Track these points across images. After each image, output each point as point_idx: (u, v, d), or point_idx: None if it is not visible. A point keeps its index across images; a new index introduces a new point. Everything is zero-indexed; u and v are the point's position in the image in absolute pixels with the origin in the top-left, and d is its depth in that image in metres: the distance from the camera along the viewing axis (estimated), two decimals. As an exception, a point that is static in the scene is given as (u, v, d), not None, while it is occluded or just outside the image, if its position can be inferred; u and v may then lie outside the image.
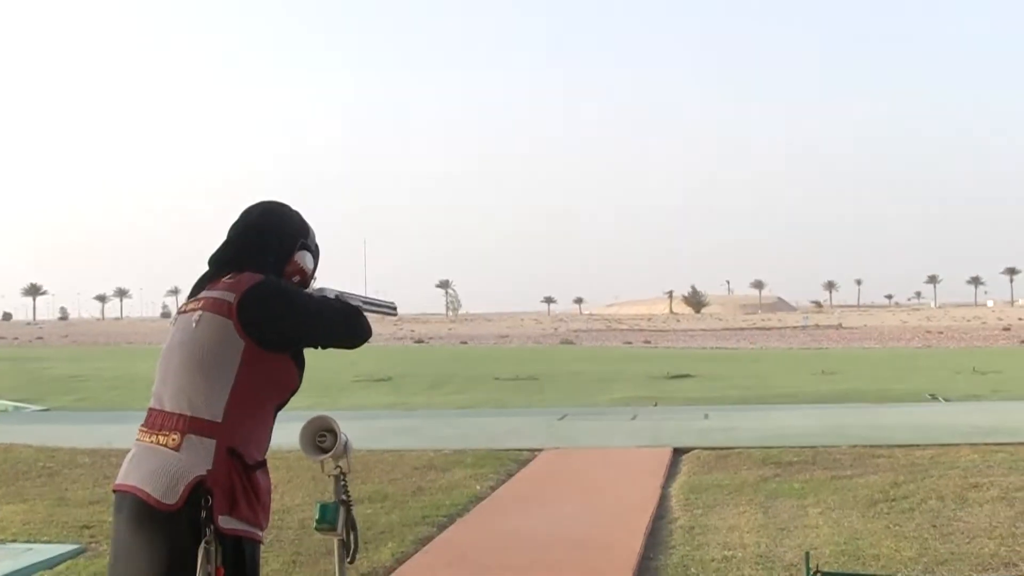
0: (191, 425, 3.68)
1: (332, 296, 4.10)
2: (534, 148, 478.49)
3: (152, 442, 3.73)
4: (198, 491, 3.58)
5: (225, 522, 3.61)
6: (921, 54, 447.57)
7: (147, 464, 3.69)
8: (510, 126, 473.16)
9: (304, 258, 4.07)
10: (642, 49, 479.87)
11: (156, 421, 3.78)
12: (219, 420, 3.67)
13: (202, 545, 3.55)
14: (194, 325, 3.80)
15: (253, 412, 3.76)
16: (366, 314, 4.14)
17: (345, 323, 3.96)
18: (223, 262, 3.95)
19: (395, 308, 4.62)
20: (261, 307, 3.76)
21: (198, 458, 3.62)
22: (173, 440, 3.68)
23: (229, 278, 3.86)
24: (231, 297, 3.77)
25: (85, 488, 11.66)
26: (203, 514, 3.57)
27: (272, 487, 3.95)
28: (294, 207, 4.17)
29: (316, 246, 4.19)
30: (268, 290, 3.82)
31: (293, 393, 3.92)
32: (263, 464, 3.83)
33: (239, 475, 3.65)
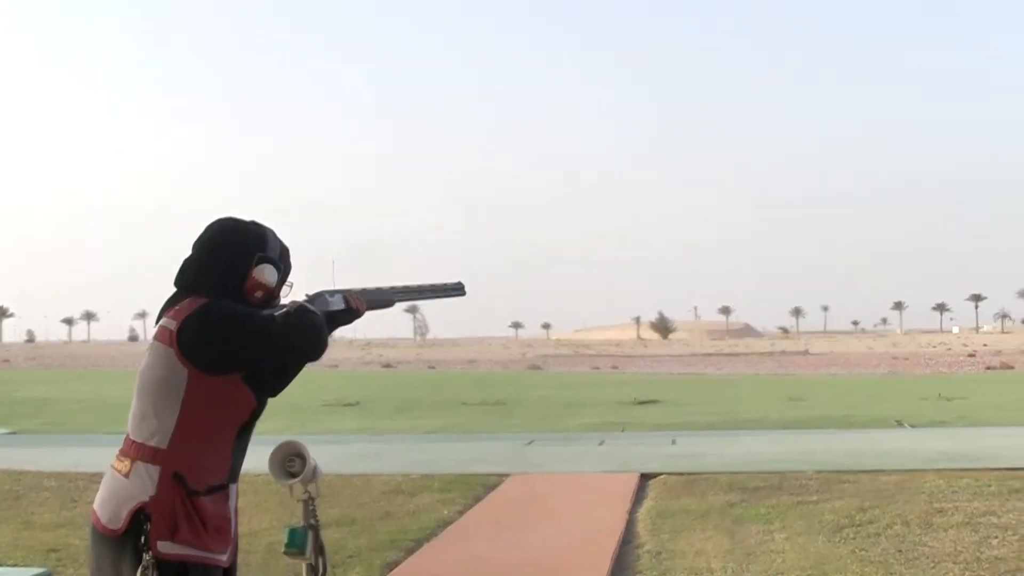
0: (139, 452, 3.69)
1: (335, 298, 4.14)
2: (503, 173, 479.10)
3: (113, 467, 3.77)
4: (139, 517, 3.59)
5: (165, 547, 3.60)
6: (883, 87, 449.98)
7: (104, 490, 3.75)
8: (477, 151, 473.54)
9: (263, 272, 3.92)
10: (609, 78, 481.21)
11: (121, 446, 3.80)
12: (164, 447, 3.66)
13: (139, 570, 3.56)
14: (146, 354, 3.82)
15: (202, 438, 3.72)
16: (430, 300, 4.28)
17: (290, 341, 3.80)
18: (182, 286, 3.92)
19: (461, 287, 4.58)
20: (198, 333, 3.70)
21: (143, 484, 3.63)
22: (125, 466, 3.71)
23: (179, 305, 3.82)
24: (173, 325, 3.74)
25: (51, 511, 11.62)
26: (142, 539, 3.58)
27: (236, 511, 3.93)
28: (250, 219, 4.04)
29: (281, 252, 4.04)
30: (206, 315, 3.73)
31: (255, 414, 3.88)
32: (219, 488, 3.78)
33: (183, 500, 3.63)
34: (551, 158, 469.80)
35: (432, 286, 4.44)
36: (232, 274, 3.87)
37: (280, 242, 4.03)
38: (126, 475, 3.67)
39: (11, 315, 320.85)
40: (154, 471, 3.64)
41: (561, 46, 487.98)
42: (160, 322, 3.82)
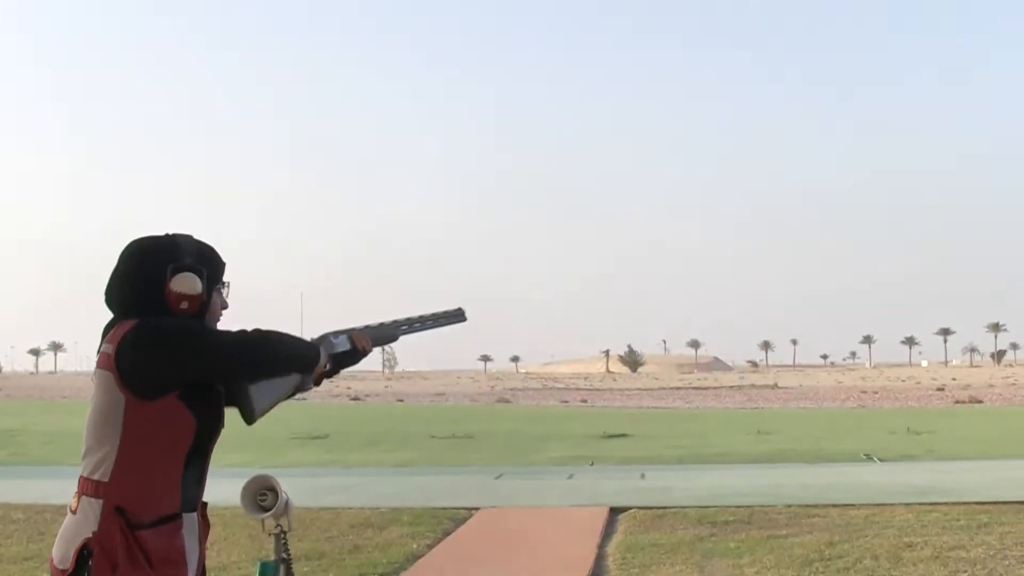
0: (84, 487, 3.60)
1: (340, 339, 4.08)
2: (472, 205, 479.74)
3: (69, 505, 3.68)
4: (83, 554, 3.50)
5: None
6: (854, 123, 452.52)
7: (61, 528, 3.66)
8: (446, 185, 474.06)
9: (182, 281, 3.71)
10: (579, 110, 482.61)
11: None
12: (106, 480, 3.56)
13: None
14: (93, 385, 3.73)
15: (145, 467, 3.58)
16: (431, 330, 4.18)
17: (239, 352, 3.65)
18: (114, 313, 3.82)
19: (462, 313, 4.49)
20: (135, 349, 3.57)
21: (87, 520, 3.53)
22: (74, 503, 3.62)
23: (115, 328, 3.71)
24: (111, 348, 3.64)
25: (19, 544, 11.55)
26: None
27: (201, 540, 3.80)
28: (163, 232, 3.85)
29: (200, 254, 3.82)
30: (141, 330, 3.60)
31: (202, 437, 3.72)
32: (169, 519, 3.63)
33: (124, 535, 3.49)
34: (521, 191, 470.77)
35: (434, 315, 4.38)
36: (151, 293, 3.72)
37: (197, 244, 3.85)
38: (74, 512, 3.59)
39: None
40: (96, 505, 3.53)
41: (528, 76, 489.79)
42: (100, 348, 3.73)
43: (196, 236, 3.90)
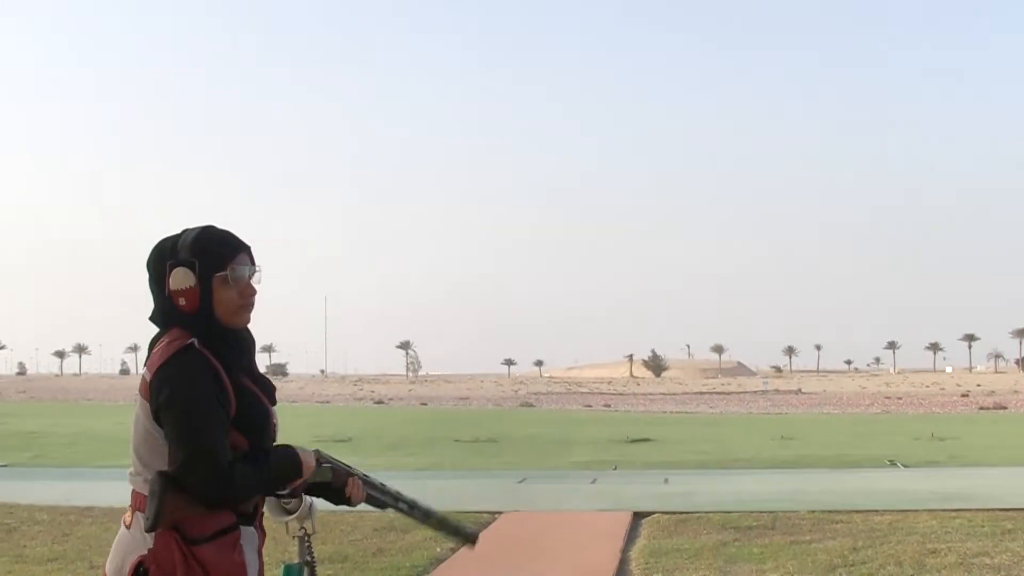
0: (138, 502, 3.55)
1: (323, 468, 3.93)
2: (495, 209, 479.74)
3: (123, 518, 3.63)
4: (139, 571, 3.46)
5: None
6: (875, 129, 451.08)
7: (115, 541, 3.62)
8: (468, 187, 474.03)
9: (176, 278, 3.62)
10: (602, 123, 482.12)
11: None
12: None
13: None
14: (136, 404, 3.66)
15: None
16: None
17: (198, 471, 3.43)
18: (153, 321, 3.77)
19: (475, 537, 4.41)
20: (155, 402, 3.52)
21: (143, 536, 3.48)
22: (128, 518, 3.58)
23: (155, 348, 3.65)
24: (148, 375, 3.58)
25: (44, 545, 11.60)
26: None
27: (260, 552, 3.78)
28: (186, 227, 3.75)
29: (198, 246, 3.66)
30: (169, 380, 3.51)
31: (263, 443, 3.69)
32: (226, 531, 3.57)
33: (180, 551, 3.44)
34: (547, 195, 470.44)
35: (445, 522, 4.34)
36: (161, 297, 3.68)
37: (196, 234, 3.69)
38: (128, 526, 3.56)
39: (2, 347, 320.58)
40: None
41: (549, 87, 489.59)
42: (146, 363, 3.66)
43: (216, 225, 3.78)
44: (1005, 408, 59.84)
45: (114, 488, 18.16)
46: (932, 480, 17.92)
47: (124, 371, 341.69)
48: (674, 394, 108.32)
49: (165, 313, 3.67)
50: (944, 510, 13.67)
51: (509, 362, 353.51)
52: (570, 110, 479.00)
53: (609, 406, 69.72)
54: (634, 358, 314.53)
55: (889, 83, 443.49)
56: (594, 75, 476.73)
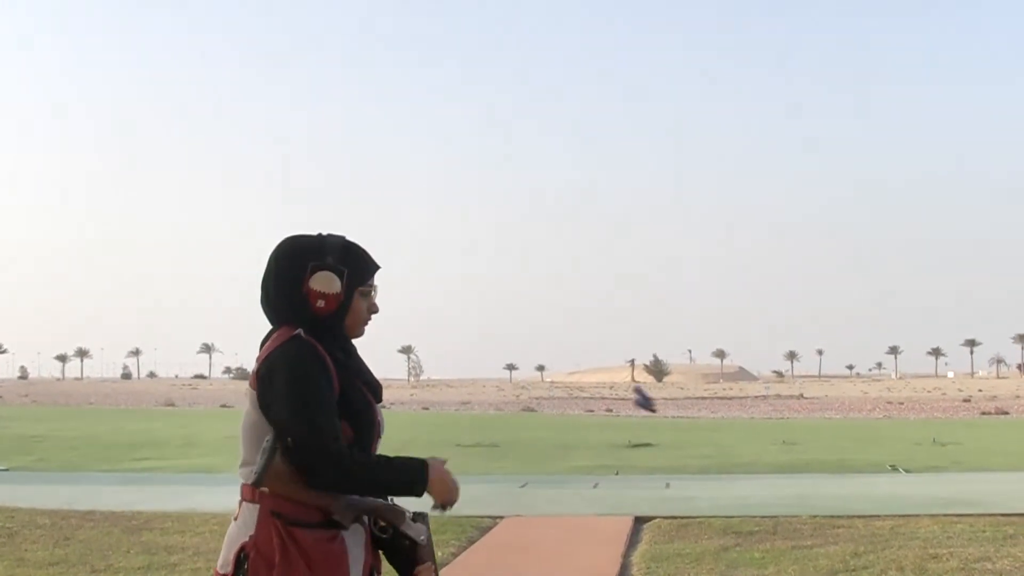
0: (244, 493, 3.62)
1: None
2: (497, 213, 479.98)
3: (233, 514, 3.70)
4: (241, 557, 3.53)
5: None
6: (878, 133, 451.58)
7: (226, 536, 3.68)
8: (469, 190, 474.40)
9: (321, 280, 3.69)
10: (610, 122, 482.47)
11: None
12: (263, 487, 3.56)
13: None
14: (246, 397, 3.74)
15: (299, 477, 3.54)
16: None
17: (308, 448, 3.49)
18: (267, 318, 3.83)
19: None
20: (261, 388, 3.60)
21: (246, 525, 3.56)
22: (237, 510, 3.65)
23: (268, 341, 3.73)
24: (257, 368, 3.67)
25: (45, 549, 11.58)
26: None
27: (367, 546, 3.73)
28: (310, 231, 3.83)
29: (346, 253, 3.78)
30: (268, 373, 3.60)
31: (363, 445, 3.71)
32: (326, 525, 3.58)
33: (280, 536, 3.50)
34: (546, 199, 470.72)
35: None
36: (292, 292, 3.72)
37: (343, 243, 3.81)
38: (236, 518, 3.63)
39: (4, 351, 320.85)
40: (255, 510, 3.56)
41: (553, 86, 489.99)
42: (258, 357, 3.74)
43: (349, 237, 3.88)
44: (1007, 413, 59.90)
45: (116, 492, 18.24)
46: (934, 485, 17.93)
47: (126, 375, 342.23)
48: (676, 399, 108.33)
49: (292, 310, 3.73)
50: (946, 515, 13.67)
51: (511, 367, 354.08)
52: (570, 112, 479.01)
53: (611, 411, 69.72)
54: (636, 363, 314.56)
55: (891, 85, 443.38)
56: (596, 75, 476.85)
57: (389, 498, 3.83)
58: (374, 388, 3.85)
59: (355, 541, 3.67)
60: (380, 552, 3.80)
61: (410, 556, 3.79)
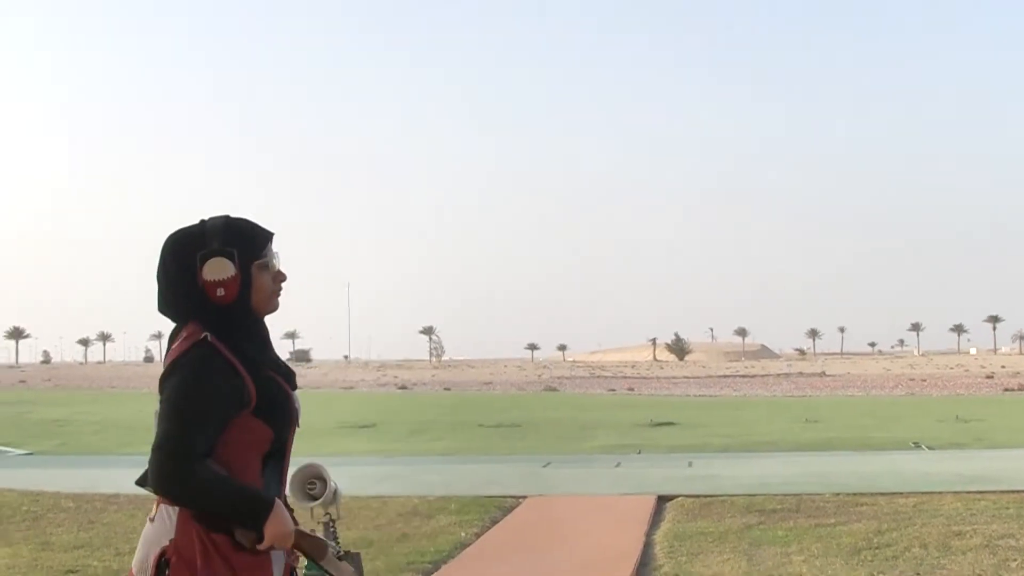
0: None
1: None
2: (517, 194, 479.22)
3: (149, 513, 3.59)
4: (162, 562, 3.44)
5: None
6: (901, 112, 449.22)
7: (141, 536, 3.59)
8: (491, 171, 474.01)
9: (213, 267, 3.54)
10: (625, 103, 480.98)
11: None
12: None
13: None
14: (158, 399, 3.59)
15: None
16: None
17: (160, 458, 3.37)
18: (170, 318, 3.70)
19: None
20: (161, 392, 3.50)
21: (165, 528, 3.47)
22: (153, 510, 3.55)
23: (175, 343, 3.61)
24: (163, 369, 3.56)
25: (70, 532, 11.65)
26: None
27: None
28: (197, 221, 3.66)
29: (231, 232, 3.61)
30: (172, 377, 3.48)
31: (281, 440, 3.63)
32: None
33: (202, 541, 3.43)
34: (568, 179, 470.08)
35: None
36: (189, 288, 3.57)
37: (225, 223, 3.64)
38: (152, 520, 3.53)
39: (27, 336, 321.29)
40: (173, 513, 3.46)
41: (576, 71, 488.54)
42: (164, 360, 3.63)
43: (233, 214, 3.70)
44: (1030, 389, 59.65)
45: (139, 475, 18.16)
46: (957, 462, 17.87)
47: (148, 358, 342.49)
48: (697, 377, 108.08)
49: (192, 305, 3.58)
50: (969, 492, 13.64)
51: (532, 347, 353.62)
52: (591, 95, 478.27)
53: (632, 390, 69.68)
54: (657, 342, 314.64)
55: (907, 68, 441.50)
56: (616, 60, 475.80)
57: (325, 530, 3.80)
58: (288, 377, 3.73)
59: (277, 555, 3.60)
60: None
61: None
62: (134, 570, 3.56)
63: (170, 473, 3.37)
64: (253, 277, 3.62)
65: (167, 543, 3.45)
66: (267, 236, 3.70)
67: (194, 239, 3.59)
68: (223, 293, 3.55)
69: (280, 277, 3.73)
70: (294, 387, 3.77)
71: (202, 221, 3.65)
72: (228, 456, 3.49)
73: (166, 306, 3.66)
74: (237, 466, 3.51)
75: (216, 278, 3.55)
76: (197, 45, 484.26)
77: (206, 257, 3.55)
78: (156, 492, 3.44)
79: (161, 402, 3.48)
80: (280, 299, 3.77)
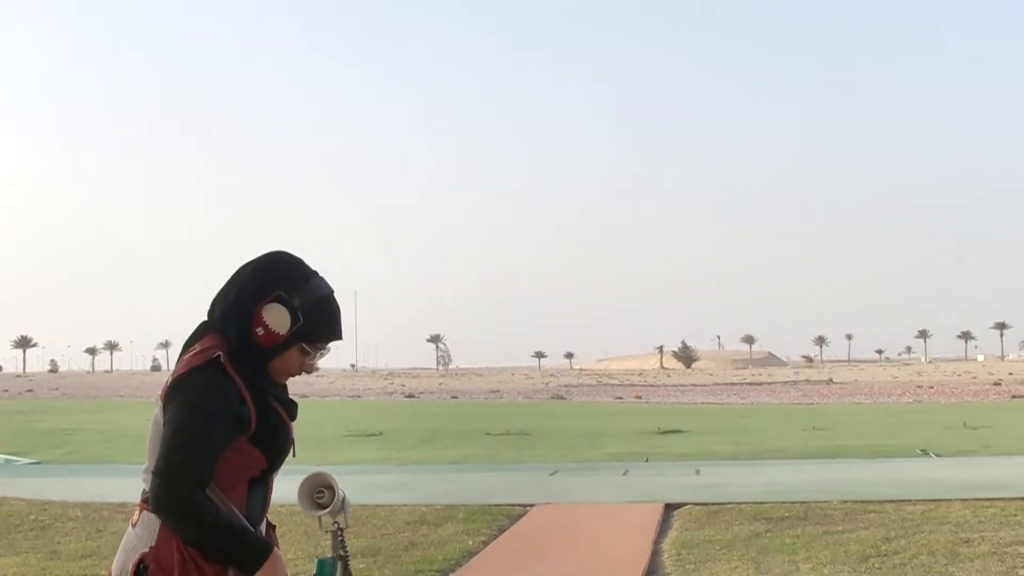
0: (146, 501, 3.53)
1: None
2: (525, 203, 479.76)
3: (132, 518, 3.63)
4: (140, 568, 3.44)
5: None
6: (905, 116, 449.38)
7: (122, 541, 3.60)
8: (499, 181, 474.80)
9: (272, 312, 3.52)
10: (628, 110, 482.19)
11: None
12: None
13: None
14: (155, 406, 3.60)
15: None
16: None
17: (169, 484, 3.36)
18: (208, 316, 3.69)
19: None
20: (167, 405, 3.49)
21: (145, 534, 3.48)
22: (135, 516, 3.57)
23: (188, 351, 3.60)
24: (169, 380, 3.55)
25: (77, 541, 11.66)
26: None
27: None
28: (296, 258, 3.66)
29: (314, 304, 3.58)
30: (179, 394, 3.47)
31: (272, 467, 3.66)
32: None
33: (182, 554, 3.42)
34: (575, 187, 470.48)
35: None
36: (242, 306, 3.57)
37: (318, 297, 3.62)
38: (135, 525, 3.55)
39: (34, 345, 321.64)
40: (156, 521, 3.46)
41: (577, 79, 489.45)
42: (177, 363, 3.63)
43: (334, 294, 3.70)
44: (1037, 396, 59.57)
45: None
46: (964, 469, 17.86)
47: (155, 367, 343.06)
48: (705, 385, 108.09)
49: (231, 319, 3.58)
50: (977, 499, 13.63)
51: (539, 355, 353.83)
52: (601, 106, 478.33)
53: (640, 398, 69.62)
54: (664, 349, 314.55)
55: (922, 72, 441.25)
56: (629, 70, 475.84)
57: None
58: (290, 409, 3.72)
59: None
60: None
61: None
62: (113, 572, 3.56)
63: (169, 501, 3.37)
64: (291, 349, 3.61)
65: (147, 550, 3.46)
66: (335, 335, 3.70)
67: (289, 279, 3.60)
68: (261, 334, 3.55)
69: (310, 369, 3.73)
70: (294, 418, 3.75)
71: (312, 272, 3.66)
72: (218, 474, 3.49)
73: (214, 302, 3.67)
74: (225, 484, 3.52)
75: (268, 322, 3.55)
76: (203, 47, 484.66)
77: (279, 301, 3.55)
78: (155, 512, 3.43)
79: (165, 423, 3.47)
80: (288, 381, 3.77)
